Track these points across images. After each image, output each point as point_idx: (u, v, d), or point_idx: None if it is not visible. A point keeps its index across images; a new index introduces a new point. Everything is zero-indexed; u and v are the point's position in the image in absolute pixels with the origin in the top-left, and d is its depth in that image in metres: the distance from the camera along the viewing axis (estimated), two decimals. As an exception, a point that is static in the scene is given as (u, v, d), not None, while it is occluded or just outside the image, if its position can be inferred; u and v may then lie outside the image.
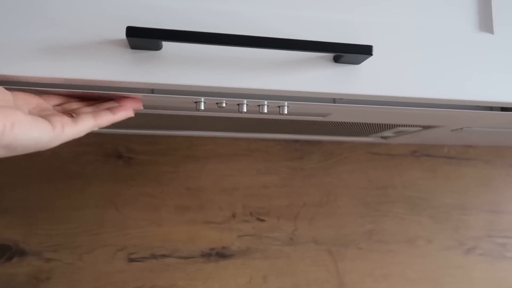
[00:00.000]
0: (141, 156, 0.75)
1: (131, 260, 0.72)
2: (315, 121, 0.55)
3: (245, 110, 0.44)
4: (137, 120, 0.58)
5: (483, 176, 0.92)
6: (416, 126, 0.63)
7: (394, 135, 0.75)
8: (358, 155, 0.86)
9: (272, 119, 0.56)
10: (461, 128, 0.64)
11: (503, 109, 0.51)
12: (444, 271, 0.86)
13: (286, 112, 0.46)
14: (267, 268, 0.77)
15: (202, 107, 0.43)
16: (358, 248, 0.83)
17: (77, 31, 0.36)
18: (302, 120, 0.55)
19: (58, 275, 0.69)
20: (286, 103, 0.45)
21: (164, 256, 0.73)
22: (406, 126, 0.63)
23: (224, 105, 0.44)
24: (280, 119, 0.56)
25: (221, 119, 0.57)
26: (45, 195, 0.70)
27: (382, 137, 0.80)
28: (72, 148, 0.72)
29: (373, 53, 0.39)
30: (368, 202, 0.84)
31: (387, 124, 0.61)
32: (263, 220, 0.79)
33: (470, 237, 0.89)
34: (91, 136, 0.74)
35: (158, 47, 0.36)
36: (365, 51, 0.39)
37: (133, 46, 0.35)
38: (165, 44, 0.37)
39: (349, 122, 0.59)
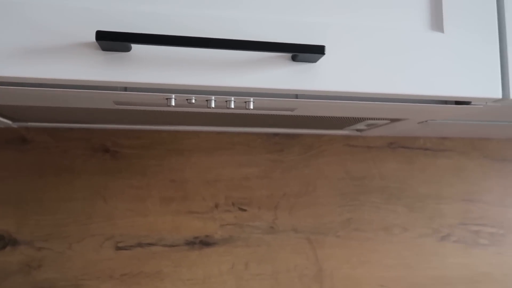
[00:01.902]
0: (127, 150, 0.79)
1: (119, 249, 0.76)
2: (285, 115, 0.59)
3: (213, 105, 0.48)
4: (122, 115, 0.62)
5: (458, 167, 0.96)
6: (383, 119, 0.67)
7: (367, 128, 0.79)
8: (336, 148, 0.90)
9: (251, 113, 0.60)
10: (426, 121, 0.68)
11: (457, 102, 0.55)
12: (419, 257, 0.90)
13: (252, 107, 0.49)
14: (249, 255, 0.82)
15: (173, 103, 0.47)
16: (336, 236, 0.87)
17: (53, 34, 0.40)
18: (273, 114, 0.59)
19: (49, 263, 0.73)
20: (251, 99, 0.49)
21: (150, 244, 0.78)
22: (374, 119, 0.67)
23: (193, 101, 0.48)
24: (258, 114, 0.60)
25: (202, 114, 0.60)
26: (36, 187, 0.74)
27: (357, 130, 0.84)
28: (60, 143, 0.76)
29: (325, 52, 0.43)
30: (346, 192, 0.89)
31: (355, 118, 0.65)
32: (244, 210, 0.83)
33: (444, 225, 0.93)
34: (79, 132, 0.79)
35: (127, 49, 0.40)
36: (318, 50, 0.42)
37: (104, 48, 0.39)
38: (134, 46, 0.40)
39: (320, 116, 0.62)
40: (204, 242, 0.80)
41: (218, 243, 0.81)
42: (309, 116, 0.62)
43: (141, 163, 0.79)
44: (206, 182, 0.82)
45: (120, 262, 0.76)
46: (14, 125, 0.72)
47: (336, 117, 0.64)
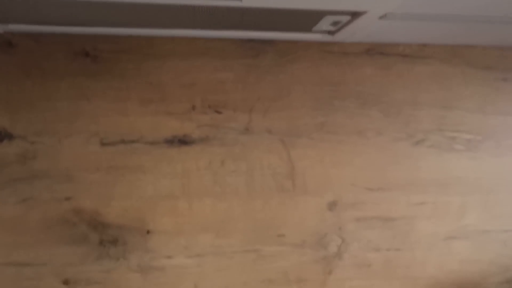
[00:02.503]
0: (106, 54, 0.84)
1: (104, 145, 0.84)
2: (235, 6, 0.61)
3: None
4: (93, 12, 0.66)
5: (438, 74, 0.96)
6: (342, 13, 0.68)
7: (336, 29, 0.80)
8: (312, 54, 0.91)
9: (202, 5, 0.61)
10: (385, 15, 0.69)
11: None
12: (392, 159, 0.94)
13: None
14: (225, 153, 0.88)
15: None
16: (309, 138, 0.91)
17: None
18: (223, 6, 0.61)
19: (42, 155, 0.82)
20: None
21: (132, 141, 0.85)
22: (332, 13, 0.68)
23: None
24: (210, 6, 0.62)
25: (168, 9, 0.62)
26: (24, 88, 0.81)
27: (328, 33, 0.84)
28: (44, 47, 0.82)
29: None
30: (321, 97, 0.92)
31: (311, 11, 0.66)
32: (220, 112, 0.88)
33: (420, 130, 0.95)
34: (61, 37, 0.83)
35: None
36: None
37: None
38: None
39: (274, 9, 0.64)
40: (182, 141, 0.87)
41: (195, 142, 0.87)
42: (262, 9, 0.63)
43: (120, 67, 0.84)
44: (183, 85, 0.87)
45: (105, 156, 0.84)
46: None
47: (291, 10, 0.65)
